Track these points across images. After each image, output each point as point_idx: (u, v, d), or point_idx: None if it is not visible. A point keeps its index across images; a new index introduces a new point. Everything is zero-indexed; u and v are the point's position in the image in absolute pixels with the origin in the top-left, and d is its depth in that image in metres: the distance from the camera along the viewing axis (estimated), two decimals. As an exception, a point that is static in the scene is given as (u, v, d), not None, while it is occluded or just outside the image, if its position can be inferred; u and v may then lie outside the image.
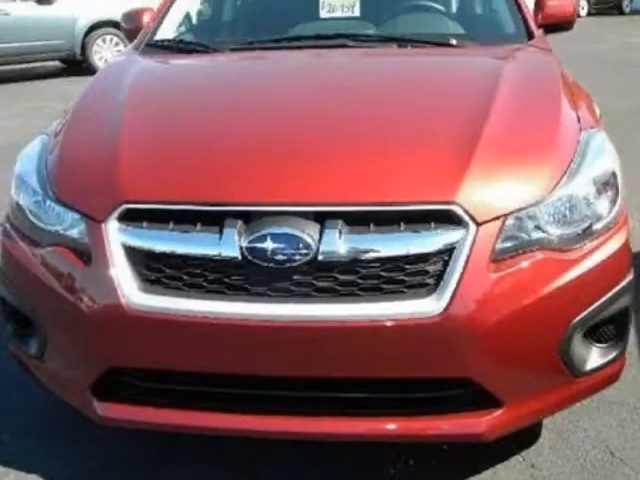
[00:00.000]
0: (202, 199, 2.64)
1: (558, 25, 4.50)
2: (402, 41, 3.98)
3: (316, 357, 2.56)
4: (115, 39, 16.12)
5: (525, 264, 2.56)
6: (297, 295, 2.53)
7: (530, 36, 4.08)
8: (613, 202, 2.79)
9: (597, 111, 3.39)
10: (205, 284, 2.58)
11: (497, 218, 2.54)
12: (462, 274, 2.47)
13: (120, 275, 2.60)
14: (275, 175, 2.68)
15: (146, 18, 4.66)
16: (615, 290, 2.73)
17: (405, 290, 2.51)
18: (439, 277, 2.50)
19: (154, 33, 4.42)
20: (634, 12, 33.99)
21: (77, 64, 16.18)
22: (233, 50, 4.12)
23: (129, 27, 4.84)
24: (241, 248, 2.51)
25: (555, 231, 2.63)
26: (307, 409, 2.70)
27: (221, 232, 2.54)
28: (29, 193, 2.96)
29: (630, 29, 25.19)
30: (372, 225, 2.53)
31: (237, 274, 2.56)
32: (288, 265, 2.50)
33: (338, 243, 2.48)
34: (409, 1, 4.87)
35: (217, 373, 2.69)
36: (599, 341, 2.80)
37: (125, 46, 11.61)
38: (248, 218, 2.56)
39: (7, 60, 15.37)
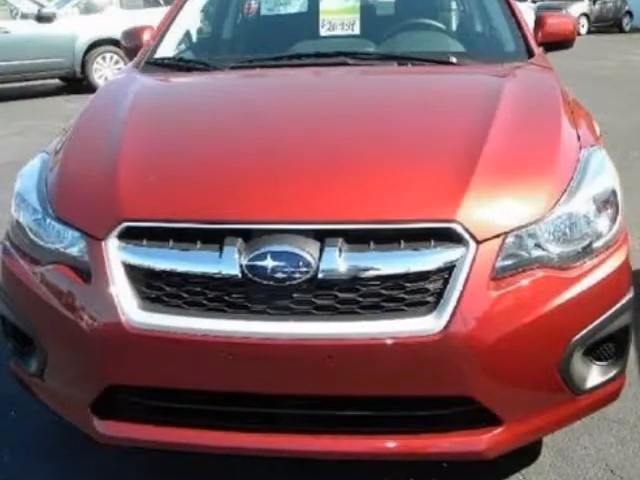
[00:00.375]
0: (202, 217, 2.64)
1: (558, 43, 4.50)
2: (402, 59, 3.98)
3: (316, 375, 2.55)
4: (115, 57, 16.08)
5: (525, 282, 2.56)
6: (297, 313, 2.53)
7: (530, 54, 4.08)
8: (613, 220, 2.79)
9: (597, 129, 3.39)
10: (205, 302, 2.58)
11: (497, 236, 2.54)
12: (462, 292, 2.47)
13: (120, 293, 2.60)
14: (275, 193, 2.68)
15: (146, 36, 4.65)
16: (615, 308, 2.73)
17: (405, 308, 2.50)
18: (439, 295, 2.49)
19: (154, 51, 4.41)
20: (634, 30, 34.15)
21: (77, 82, 16.19)
22: (233, 68, 4.12)
23: (129, 45, 4.84)
24: (241, 266, 2.51)
25: (555, 249, 2.63)
26: (308, 427, 2.69)
27: (221, 250, 2.54)
28: (29, 211, 2.96)
29: (630, 47, 25.30)
30: (372, 243, 2.52)
31: (237, 292, 2.56)
32: (288, 283, 2.49)
33: (338, 261, 2.48)
34: (409, 19, 4.88)
35: (217, 391, 2.67)
36: (599, 359, 2.79)
37: (125, 64, 11.64)
38: (248, 236, 2.56)
39: (7, 78, 15.37)
